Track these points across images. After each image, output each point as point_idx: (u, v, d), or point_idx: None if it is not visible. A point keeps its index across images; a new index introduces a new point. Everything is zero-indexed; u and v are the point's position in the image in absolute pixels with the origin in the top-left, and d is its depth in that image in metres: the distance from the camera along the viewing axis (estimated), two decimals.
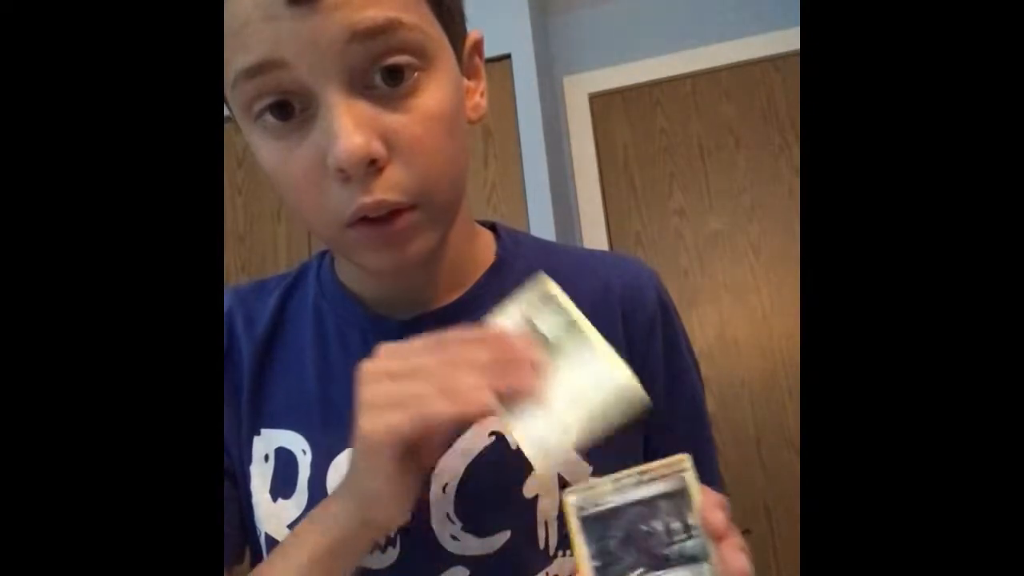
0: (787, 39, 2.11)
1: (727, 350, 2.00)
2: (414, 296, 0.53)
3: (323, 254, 0.59)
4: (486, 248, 0.57)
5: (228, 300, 0.57)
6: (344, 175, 0.41)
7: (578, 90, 2.26)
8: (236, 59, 0.41)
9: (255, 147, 0.46)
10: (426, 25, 0.43)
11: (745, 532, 1.87)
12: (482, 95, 0.52)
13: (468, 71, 0.50)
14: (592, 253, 0.63)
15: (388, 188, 0.42)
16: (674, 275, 2.08)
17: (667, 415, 0.56)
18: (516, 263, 0.56)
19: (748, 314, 2.02)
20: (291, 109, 0.42)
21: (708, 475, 0.45)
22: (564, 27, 2.32)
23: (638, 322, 0.56)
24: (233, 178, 1.99)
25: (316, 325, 0.55)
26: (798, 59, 1.74)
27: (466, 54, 0.50)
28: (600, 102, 2.25)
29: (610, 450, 0.46)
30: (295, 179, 0.44)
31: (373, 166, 0.41)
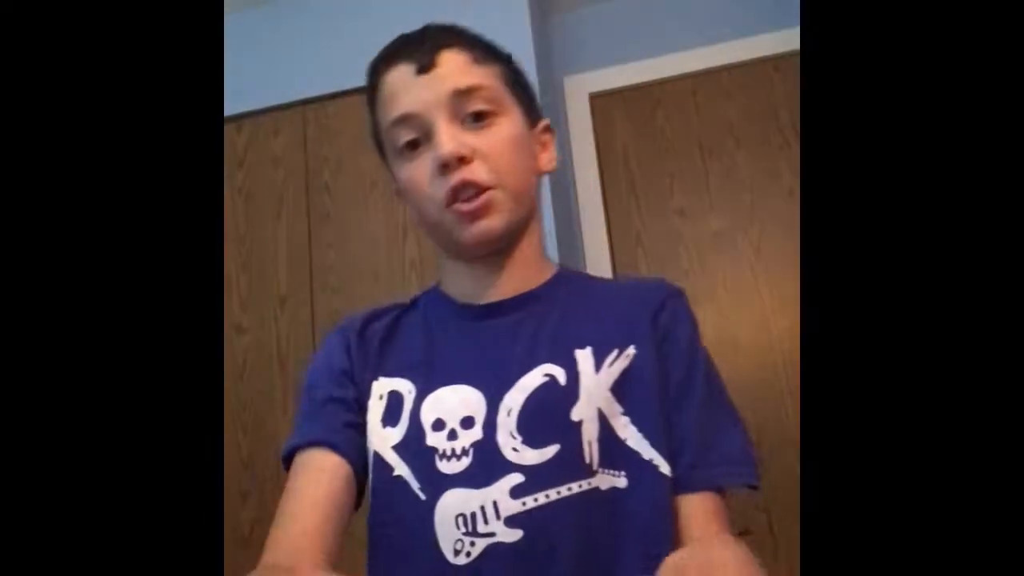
0: (787, 39, 2.11)
1: (727, 350, 1.99)
2: (492, 289, 0.72)
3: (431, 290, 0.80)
4: (549, 268, 0.76)
5: (361, 313, 0.77)
6: (443, 167, 0.65)
7: (578, 90, 2.26)
8: (389, 113, 0.69)
9: (399, 172, 0.70)
10: (499, 90, 0.70)
11: (745, 532, 1.87)
12: (552, 158, 0.76)
13: (539, 140, 0.75)
14: (628, 278, 0.87)
15: (472, 174, 0.65)
16: (674, 275, 2.08)
17: (684, 397, 0.67)
18: (570, 279, 0.77)
19: (748, 314, 2.02)
20: (418, 144, 0.68)
21: (726, 438, 0.66)
22: (564, 27, 2.32)
23: (662, 318, 0.70)
24: (233, 178, 1.99)
25: (423, 317, 0.75)
26: (798, 59, 1.74)
27: (538, 130, 0.75)
28: (600, 102, 2.24)
29: (639, 406, 0.65)
30: (418, 181, 0.68)
31: (461, 162, 0.65)
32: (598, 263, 2.12)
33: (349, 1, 2.07)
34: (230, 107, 1.97)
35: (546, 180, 1.83)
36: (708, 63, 2.18)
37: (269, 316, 1.92)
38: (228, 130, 2.00)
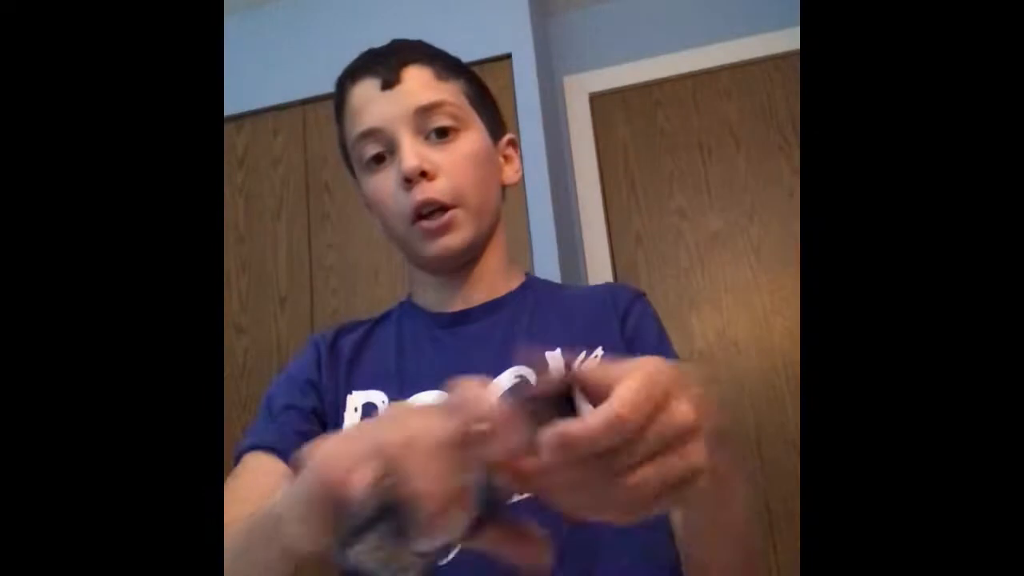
0: (787, 39, 2.11)
1: (727, 350, 1.99)
2: (461, 298, 0.75)
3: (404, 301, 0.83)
4: (517, 277, 0.80)
5: (333, 328, 0.78)
6: (407, 182, 0.67)
7: (578, 90, 2.26)
8: (354, 128, 0.71)
9: (365, 185, 0.73)
10: (462, 106, 0.72)
11: None
12: (516, 170, 0.80)
13: (504, 153, 0.78)
14: (595, 285, 0.86)
15: (434, 191, 0.68)
16: (674, 275, 2.08)
17: None
18: (538, 286, 0.80)
19: (748, 314, 2.02)
20: (383, 158, 0.70)
21: None
22: (564, 27, 2.32)
23: (630, 320, 0.73)
24: (233, 178, 1.99)
25: (396, 328, 0.77)
26: (798, 59, 1.74)
27: (502, 143, 0.78)
28: (600, 102, 2.25)
29: None
30: (383, 194, 0.70)
31: (424, 177, 0.67)
32: (598, 263, 2.12)
33: (349, 1, 2.07)
34: (230, 107, 1.97)
35: (546, 180, 1.87)
36: (708, 63, 2.18)
37: (269, 316, 1.92)
38: (228, 130, 2.00)
